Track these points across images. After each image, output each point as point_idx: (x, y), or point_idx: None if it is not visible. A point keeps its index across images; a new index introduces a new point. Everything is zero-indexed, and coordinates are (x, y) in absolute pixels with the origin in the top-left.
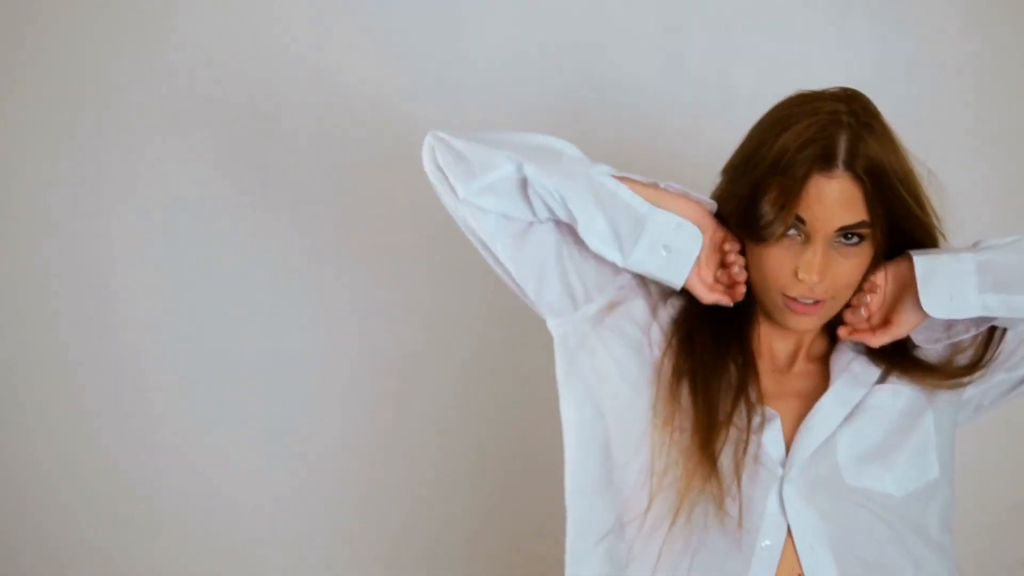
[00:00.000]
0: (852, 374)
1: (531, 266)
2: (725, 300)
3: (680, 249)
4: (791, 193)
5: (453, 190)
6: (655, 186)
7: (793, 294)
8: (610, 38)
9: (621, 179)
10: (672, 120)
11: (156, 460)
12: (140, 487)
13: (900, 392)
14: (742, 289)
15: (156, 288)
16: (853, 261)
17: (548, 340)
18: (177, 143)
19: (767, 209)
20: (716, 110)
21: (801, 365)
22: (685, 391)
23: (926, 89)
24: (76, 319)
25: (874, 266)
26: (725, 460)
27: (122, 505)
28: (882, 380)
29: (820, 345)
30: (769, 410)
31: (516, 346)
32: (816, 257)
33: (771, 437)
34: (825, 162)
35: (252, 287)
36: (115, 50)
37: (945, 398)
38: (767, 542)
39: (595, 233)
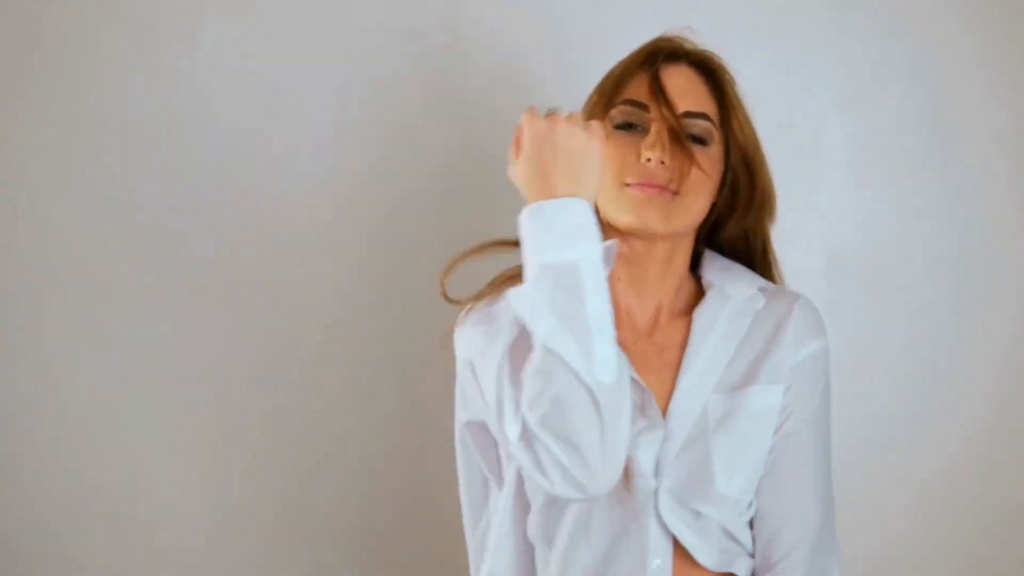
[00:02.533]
0: (718, 335)
1: None
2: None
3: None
4: (630, 78)
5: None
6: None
7: (635, 180)
8: (610, 38)
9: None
10: None
11: (155, 460)
12: (139, 486)
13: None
14: None
15: (154, 287)
16: (701, 157)
17: None
18: (176, 142)
19: (609, 95)
20: None
21: (665, 324)
22: None
23: (926, 89)
24: (71, 317)
25: (722, 186)
26: None
27: (121, 503)
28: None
29: (685, 294)
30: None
31: None
32: (660, 137)
33: (646, 440)
34: (670, 54)
35: (253, 287)
36: (114, 49)
37: None
38: (657, 561)
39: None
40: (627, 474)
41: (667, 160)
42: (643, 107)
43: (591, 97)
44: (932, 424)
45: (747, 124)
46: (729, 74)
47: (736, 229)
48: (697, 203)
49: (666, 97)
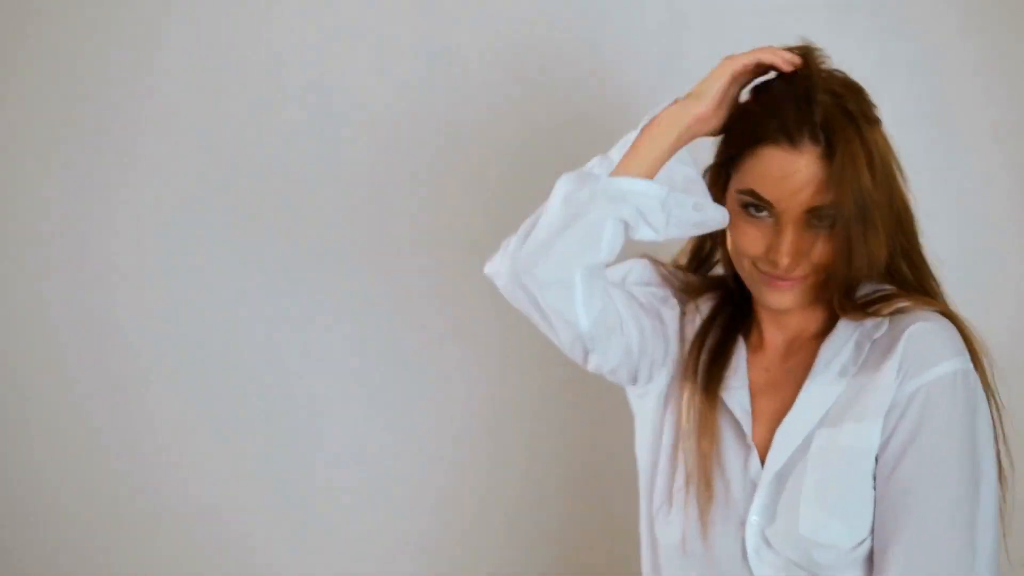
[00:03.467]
0: (837, 366)
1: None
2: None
3: (706, 219)
4: (752, 156)
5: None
6: (641, 140)
7: (766, 269)
8: (609, 37)
9: (618, 174)
10: None
11: (154, 460)
12: (139, 486)
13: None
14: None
15: (155, 287)
16: (825, 244)
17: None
18: (176, 142)
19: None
20: None
21: (799, 348)
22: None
23: (926, 89)
24: (74, 318)
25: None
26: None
27: (120, 506)
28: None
29: (817, 322)
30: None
31: (522, 346)
32: (792, 246)
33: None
34: (797, 128)
35: (251, 286)
36: (113, 48)
37: None
38: None
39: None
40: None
41: (795, 260)
42: (767, 203)
43: (722, 150)
44: None
45: (865, 177)
46: (856, 134)
47: (869, 259)
48: (824, 274)
49: (792, 201)
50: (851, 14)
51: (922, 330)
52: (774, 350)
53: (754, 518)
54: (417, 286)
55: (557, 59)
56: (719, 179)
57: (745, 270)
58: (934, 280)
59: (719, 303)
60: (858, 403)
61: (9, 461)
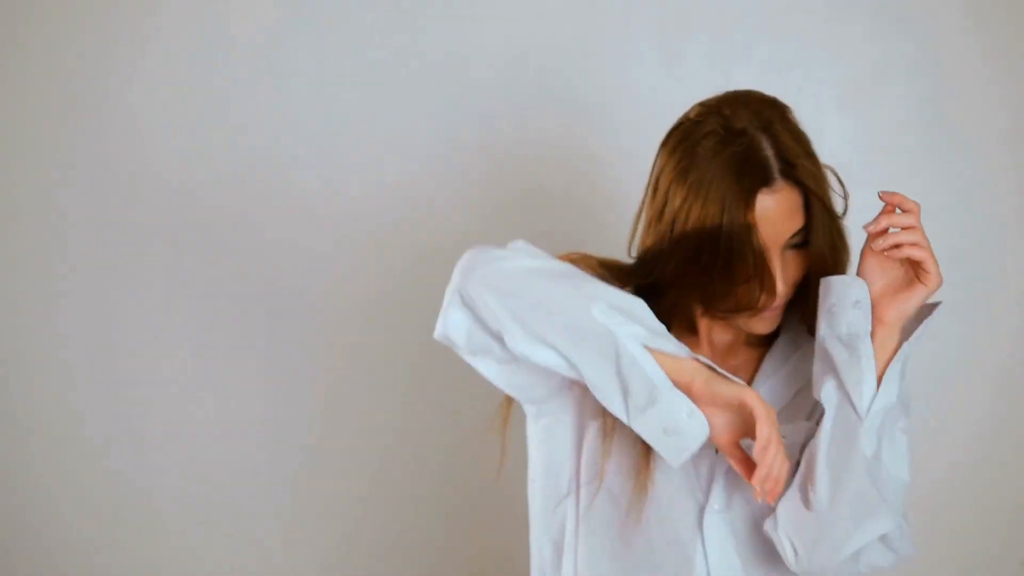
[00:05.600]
0: (781, 378)
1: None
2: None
3: (683, 434)
4: (731, 198)
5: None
6: (689, 360)
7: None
8: (609, 38)
9: (652, 350)
10: (672, 120)
11: (154, 459)
12: (138, 486)
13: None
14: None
15: (155, 286)
16: (802, 263)
17: None
18: (177, 142)
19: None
20: None
21: (741, 350)
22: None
23: (926, 89)
24: (75, 317)
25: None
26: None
27: (120, 504)
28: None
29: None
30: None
31: None
32: (777, 272)
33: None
34: (764, 179)
35: (252, 285)
36: (112, 46)
37: None
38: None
39: (603, 394)
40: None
41: (788, 287)
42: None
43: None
44: (934, 425)
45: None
46: (806, 162)
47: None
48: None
49: (773, 229)
50: (851, 14)
51: None
52: (716, 349)
53: (715, 506)
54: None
55: (555, 60)
56: None
57: (740, 319)
58: None
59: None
60: (806, 403)
61: (8, 460)
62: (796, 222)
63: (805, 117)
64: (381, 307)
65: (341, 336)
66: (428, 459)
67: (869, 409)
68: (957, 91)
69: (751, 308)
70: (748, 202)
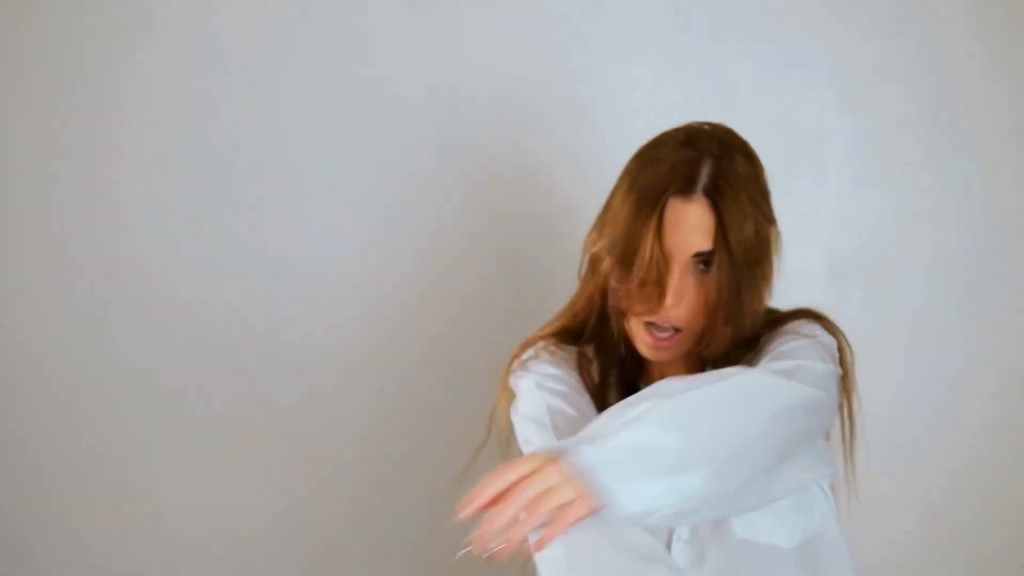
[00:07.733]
0: None
1: None
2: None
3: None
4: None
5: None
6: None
7: (646, 319)
8: (609, 38)
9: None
10: (672, 120)
11: (154, 458)
12: (138, 486)
13: None
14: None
15: (153, 285)
16: (708, 287)
17: None
18: (177, 140)
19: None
20: (716, 110)
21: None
22: None
23: (926, 89)
24: (73, 318)
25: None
26: None
27: (121, 504)
28: None
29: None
30: None
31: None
32: (673, 281)
33: None
34: (684, 186)
35: (253, 283)
36: (112, 46)
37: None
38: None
39: None
40: None
41: (678, 302)
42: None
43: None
44: (934, 425)
45: (748, 231)
46: (733, 186)
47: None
48: (700, 323)
49: (681, 238)
50: (851, 14)
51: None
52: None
53: (683, 536)
54: (426, 283)
55: (555, 60)
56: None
57: (632, 325)
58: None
59: (605, 362)
60: None
61: (8, 460)
62: (703, 242)
63: (805, 117)
64: (381, 307)
65: (341, 336)
66: (428, 460)
67: None
68: (958, 91)
69: (645, 313)
70: (663, 200)
